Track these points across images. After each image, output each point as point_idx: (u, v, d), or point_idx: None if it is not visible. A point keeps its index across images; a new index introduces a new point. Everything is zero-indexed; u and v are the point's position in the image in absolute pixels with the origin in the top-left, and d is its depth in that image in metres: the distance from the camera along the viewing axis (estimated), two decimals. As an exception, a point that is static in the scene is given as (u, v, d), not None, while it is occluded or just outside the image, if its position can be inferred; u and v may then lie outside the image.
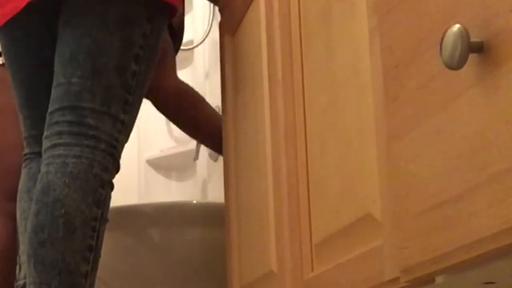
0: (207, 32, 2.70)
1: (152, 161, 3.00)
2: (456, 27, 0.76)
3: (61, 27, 1.59)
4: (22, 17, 1.62)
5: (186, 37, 2.90)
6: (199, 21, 2.81)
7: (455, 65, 0.76)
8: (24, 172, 1.68)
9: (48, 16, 1.62)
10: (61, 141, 1.53)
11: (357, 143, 1.13)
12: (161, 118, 3.02)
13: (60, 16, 1.60)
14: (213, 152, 2.61)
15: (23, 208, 1.62)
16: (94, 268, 1.51)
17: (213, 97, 2.60)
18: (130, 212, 2.12)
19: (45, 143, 1.55)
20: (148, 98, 1.98)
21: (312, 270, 1.32)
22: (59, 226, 1.47)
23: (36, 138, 1.63)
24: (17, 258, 1.64)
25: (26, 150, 1.70)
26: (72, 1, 1.58)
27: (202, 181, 2.72)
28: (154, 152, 2.99)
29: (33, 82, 1.66)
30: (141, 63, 1.58)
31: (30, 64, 1.66)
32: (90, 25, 1.55)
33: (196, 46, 2.79)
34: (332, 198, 1.22)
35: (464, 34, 0.75)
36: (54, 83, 1.57)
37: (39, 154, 1.62)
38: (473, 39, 0.76)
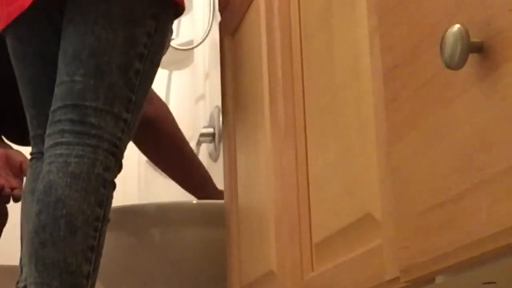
0: (207, 32, 2.70)
1: (152, 161, 2.99)
2: (456, 27, 0.76)
3: (65, 24, 1.58)
4: (28, 16, 1.61)
5: (186, 37, 2.91)
6: (199, 21, 2.81)
7: (455, 65, 0.76)
8: (29, 172, 1.67)
9: (53, 14, 1.62)
10: (63, 140, 1.52)
11: (357, 143, 1.13)
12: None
13: (64, 14, 1.59)
14: (213, 152, 2.61)
15: (27, 209, 1.61)
16: (96, 268, 1.50)
17: (213, 97, 2.60)
18: (130, 212, 2.11)
19: (47, 142, 1.54)
20: None
21: (312, 270, 1.32)
22: (60, 226, 1.46)
23: (42, 138, 1.61)
24: (19, 260, 1.63)
25: (33, 150, 1.69)
26: None
27: (202, 181, 2.72)
28: (154, 152, 2.98)
29: (40, 81, 1.65)
30: (145, 62, 1.57)
31: (37, 63, 1.65)
32: (93, 23, 1.55)
33: (196, 46, 2.79)
34: (332, 198, 1.22)
35: (464, 34, 0.75)
36: (57, 81, 1.56)
37: None
38: (473, 39, 0.76)
